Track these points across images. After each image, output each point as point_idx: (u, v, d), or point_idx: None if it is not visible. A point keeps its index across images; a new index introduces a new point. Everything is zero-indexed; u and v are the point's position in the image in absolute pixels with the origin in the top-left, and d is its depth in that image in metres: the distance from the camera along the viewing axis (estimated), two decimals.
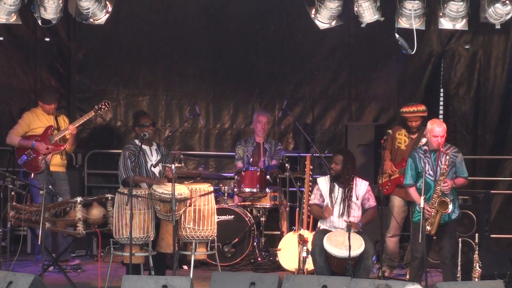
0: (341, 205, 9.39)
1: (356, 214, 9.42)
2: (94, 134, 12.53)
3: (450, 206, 9.03)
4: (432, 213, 9.04)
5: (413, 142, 10.34)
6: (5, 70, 12.28)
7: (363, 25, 9.43)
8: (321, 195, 9.50)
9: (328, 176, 9.57)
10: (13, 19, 9.47)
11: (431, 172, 9.17)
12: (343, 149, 10.33)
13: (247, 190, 11.06)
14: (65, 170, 10.92)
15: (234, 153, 11.62)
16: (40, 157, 10.60)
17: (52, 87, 12.05)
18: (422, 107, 10.35)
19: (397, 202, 10.35)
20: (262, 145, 11.51)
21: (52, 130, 10.74)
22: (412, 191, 9.28)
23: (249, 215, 11.07)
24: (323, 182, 9.55)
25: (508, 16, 9.24)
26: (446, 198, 9.05)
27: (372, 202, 9.51)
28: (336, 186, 9.46)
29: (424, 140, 10.23)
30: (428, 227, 9.04)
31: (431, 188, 9.14)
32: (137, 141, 9.51)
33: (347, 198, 9.37)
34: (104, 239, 9.29)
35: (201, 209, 9.39)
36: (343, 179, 9.43)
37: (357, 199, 9.44)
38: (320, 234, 9.27)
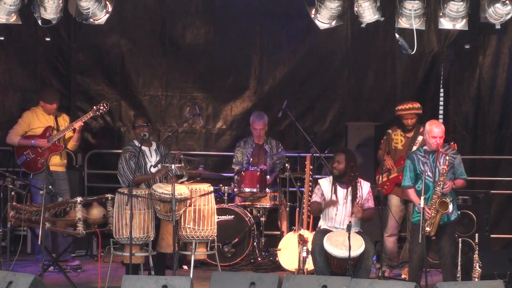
0: (345, 204, 9.39)
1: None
2: (94, 134, 12.53)
3: (450, 206, 9.03)
4: (432, 214, 9.04)
5: (409, 141, 10.35)
6: (5, 70, 12.28)
7: (363, 25, 9.44)
8: (323, 194, 9.49)
9: (330, 177, 9.57)
10: (13, 19, 9.47)
11: (429, 174, 9.16)
12: (345, 148, 10.35)
13: (247, 190, 11.06)
14: (65, 170, 10.93)
15: (233, 153, 11.61)
16: (39, 158, 10.61)
17: (54, 87, 12.05)
18: (417, 105, 10.39)
19: (394, 201, 10.36)
20: (262, 146, 11.50)
21: (51, 131, 10.75)
22: (411, 193, 9.28)
23: (249, 215, 11.06)
24: (325, 183, 9.55)
25: (508, 16, 9.24)
26: (446, 198, 9.05)
27: (371, 204, 9.53)
28: (339, 187, 9.46)
29: (420, 138, 10.25)
30: (427, 228, 9.03)
31: (430, 189, 9.13)
32: (136, 142, 9.53)
33: (354, 197, 9.35)
34: (104, 239, 9.29)
35: (201, 209, 9.39)
36: (347, 178, 9.43)
37: (360, 199, 9.44)
38: (320, 234, 9.27)
